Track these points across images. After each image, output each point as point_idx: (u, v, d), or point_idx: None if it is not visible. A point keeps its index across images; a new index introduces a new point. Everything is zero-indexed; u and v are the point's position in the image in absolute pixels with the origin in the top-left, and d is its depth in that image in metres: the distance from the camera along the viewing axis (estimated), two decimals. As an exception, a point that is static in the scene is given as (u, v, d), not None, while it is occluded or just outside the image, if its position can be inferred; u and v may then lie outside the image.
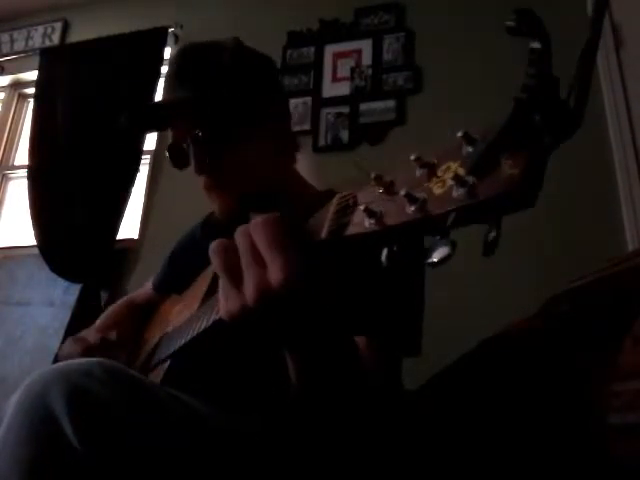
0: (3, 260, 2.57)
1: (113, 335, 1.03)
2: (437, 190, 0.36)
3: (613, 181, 1.87)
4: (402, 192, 0.37)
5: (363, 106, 2.26)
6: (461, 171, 0.34)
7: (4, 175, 2.92)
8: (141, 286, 1.26)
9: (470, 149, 0.34)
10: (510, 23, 0.33)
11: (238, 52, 0.92)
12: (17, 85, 3.04)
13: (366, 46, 2.36)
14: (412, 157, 0.38)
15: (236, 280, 0.48)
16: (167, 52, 2.60)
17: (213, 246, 0.50)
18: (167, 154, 0.91)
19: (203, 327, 0.65)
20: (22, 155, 2.88)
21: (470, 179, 0.33)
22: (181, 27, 2.60)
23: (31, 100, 2.84)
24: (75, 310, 2.27)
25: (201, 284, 0.88)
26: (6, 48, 3.03)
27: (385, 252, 0.40)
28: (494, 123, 0.34)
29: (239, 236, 0.48)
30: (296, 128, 2.21)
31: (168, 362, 0.81)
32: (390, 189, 0.39)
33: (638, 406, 0.57)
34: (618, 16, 2.03)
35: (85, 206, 2.41)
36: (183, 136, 0.88)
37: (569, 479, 0.63)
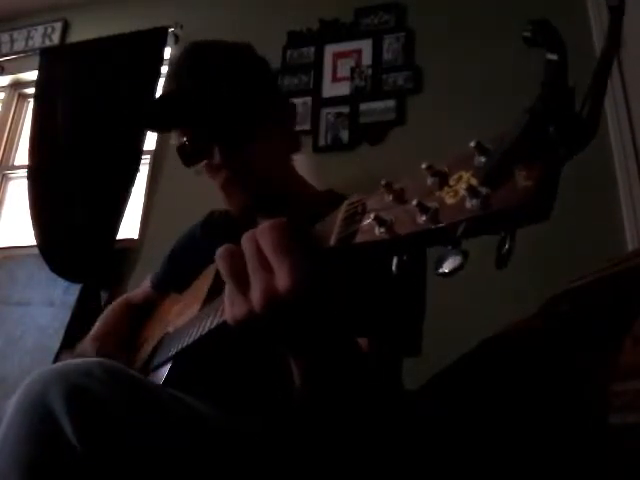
0: (3, 260, 2.57)
1: (110, 342, 1.04)
2: (449, 200, 0.35)
3: (613, 181, 1.87)
4: (414, 201, 0.36)
5: (363, 106, 2.26)
6: (474, 181, 0.34)
7: (4, 175, 2.91)
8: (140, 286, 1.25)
9: (483, 159, 0.34)
10: (526, 34, 0.33)
11: (237, 52, 0.92)
12: (17, 85, 3.04)
13: (366, 46, 2.35)
14: (423, 165, 0.37)
15: (242, 286, 0.47)
16: (167, 52, 2.60)
17: (219, 251, 0.49)
18: (180, 151, 0.89)
19: (207, 329, 0.65)
20: (22, 155, 2.88)
21: (483, 190, 0.33)
22: (181, 27, 2.60)
23: (31, 100, 2.83)
24: (75, 310, 2.27)
25: (202, 284, 0.88)
26: (6, 48, 3.02)
27: (395, 261, 0.40)
28: (505, 132, 0.33)
29: (245, 241, 0.48)
30: (296, 128, 2.21)
31: (170, 363, 0.81)
32: (400, 197, 0.39)
33: (638, 406, 0.57)
34: (618, 16, 2.02)
35: (85, 206, 2.41)
36: (197, 134, 0.87)
37: (569, 479, 0.63)
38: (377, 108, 2.23)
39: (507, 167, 0.32)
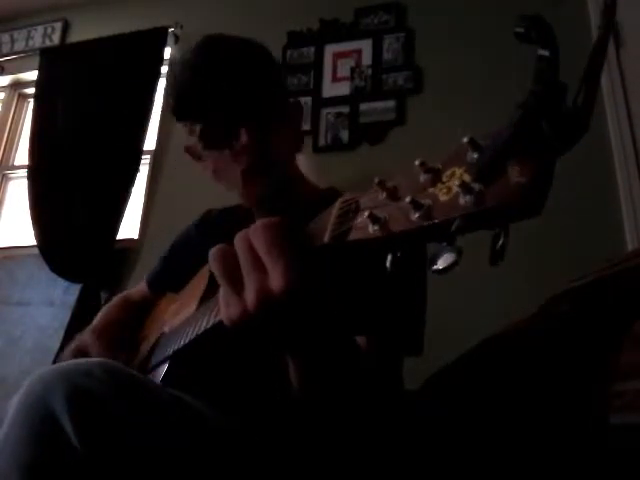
0: (3, 260, 2.57)
1: (109, 335, 1.03)
2: (443, 197, 0.35)
3: (613, 181, 1.87)
4: (407, 198, 0.36)
5: (363, 106, 2.26)
6: (467, 177, 0.34)
7: (4, 175, 2.91)
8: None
9: (475, 155, 0.34)
10: (519, 29, 0.33)
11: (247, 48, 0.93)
12: (17, 85, 3.04)
13: (366, 46, 2.35)
14: (416, 162, 0.37)
15: (237, 286, 0.47)
16: (167, 52, 2.60)
17: (212, 252, 0.49)
18: (203, 136, 0.88)
19: (202, 329, 0.65)
20: (22, 155, 2.88)
21: (477, 186, 0.33)
22: (181, 27, 2.60)
23: (31, 100, 2.83)
24: (75, 310, 2.27)
25: (198, 283, 0.88)
26: (6, 48, 3.03)
27: (389, 258, 0.40)
28: (498, 128, 0.33)
29: (238, 241, 0.47)
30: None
31: (167, 363, 0.81)
32: (394, 194, 0.39)
33: (638, 406, 0.57)
34: (618, 16, 2.03)
35: (85, 206, 2.41)
36: (220, 118, 0.86)
37: (569, 479, 0.63)
38: (377, 108, 2.23)
39: (500, 163, 0.32)
